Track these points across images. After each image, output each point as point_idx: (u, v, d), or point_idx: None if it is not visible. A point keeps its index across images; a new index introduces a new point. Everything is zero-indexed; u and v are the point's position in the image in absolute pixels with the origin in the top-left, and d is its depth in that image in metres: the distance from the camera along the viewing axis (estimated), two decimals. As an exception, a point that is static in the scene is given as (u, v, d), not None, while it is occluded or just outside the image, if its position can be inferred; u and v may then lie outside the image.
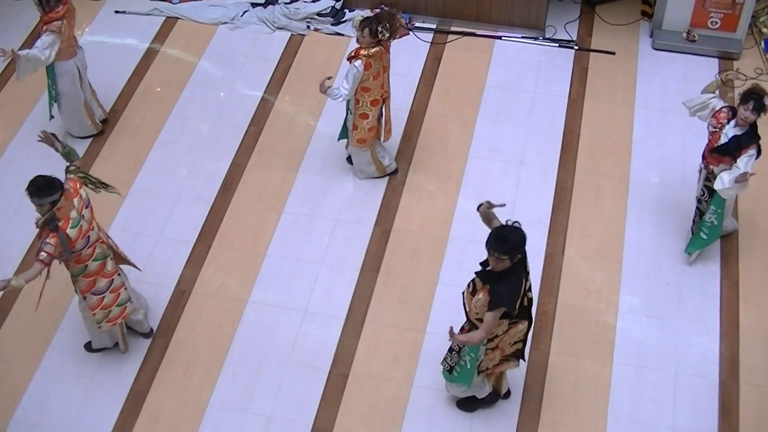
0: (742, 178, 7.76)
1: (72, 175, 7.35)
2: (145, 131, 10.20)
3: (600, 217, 9.15)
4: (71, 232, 7.07)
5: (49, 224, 7.00)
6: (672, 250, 8.84)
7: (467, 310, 6.91)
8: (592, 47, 10.98)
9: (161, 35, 11.41)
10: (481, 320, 6.74)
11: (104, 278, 7.56)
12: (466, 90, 10.50)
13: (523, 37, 11.14)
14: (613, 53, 10.87)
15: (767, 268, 8.73)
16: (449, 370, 7.39)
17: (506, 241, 6.40)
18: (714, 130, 8.08)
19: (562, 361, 8.09)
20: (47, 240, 7.01)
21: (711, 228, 8.41)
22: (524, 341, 7.19)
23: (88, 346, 8.30)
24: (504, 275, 6.53)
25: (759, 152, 7.90)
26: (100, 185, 7.55)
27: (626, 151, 9.74)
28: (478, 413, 7.78)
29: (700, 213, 8.48)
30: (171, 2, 11.79)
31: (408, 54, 10.97)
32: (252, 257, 8.97)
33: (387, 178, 9.57)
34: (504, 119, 10.15)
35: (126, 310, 7.86)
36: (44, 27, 9.06)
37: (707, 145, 8.18)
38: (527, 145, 9.86)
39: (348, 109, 9.04)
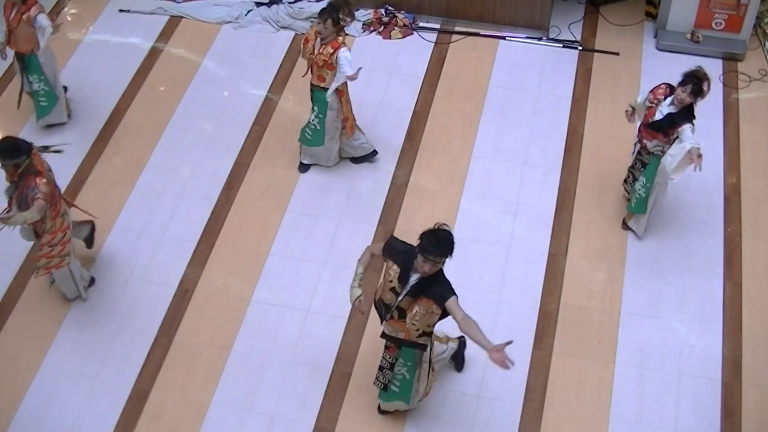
0: (691, 157, 7.76)
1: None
2: (148, 130, 10.20)
3: (603, 218, 9.15)
4: (49, 175, 7.52)
5: (29, 171, 7.39)
6: (675, 251, 8.83)
7: (403, 336, 6.92)
8: (596, 48, 10.98)
9: (165, 34, 11.41)
10: (424, 333, 6.84)
11: (61, 233, 7.84)
12: (469, 90, 10.50)
13: (527, 38, 11.14)
14: (617, 54, 10.87)
15: (770, 270, 8.75)
16: (384, 388, 7.39)
17: (443, 242, 6.40)
18: (650, 105, 8.22)
19: (564, 362, 8.09)
20: (37, 184, 7.39)
21: (638, 200, 8.61)
22: None
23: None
24: (435, 275, 6.53)
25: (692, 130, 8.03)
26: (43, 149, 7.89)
27: (629, 151, 9.68)
28: (479, 413, 7.78)
29: (633, 178, 8.71)
30: (175, 1, 11.79)
31: (412, 54, 10.98)
32: (255, 256, 8.97)
33: (391, 177, 9.57)
34: (508, 119, 10.15)
35: (63, 262, 8.01)
36: (29, 11, 9.22)
37: (643, 118, 8.31)
38: (531, 146, 9.86)
39: (321, 111, 9.05)
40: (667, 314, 8.42)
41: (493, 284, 8.64)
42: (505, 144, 9.89)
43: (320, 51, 8.66)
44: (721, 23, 10.65)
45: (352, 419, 7.83)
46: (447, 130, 10.06)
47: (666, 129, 8.04)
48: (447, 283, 6.61)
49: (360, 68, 8.66)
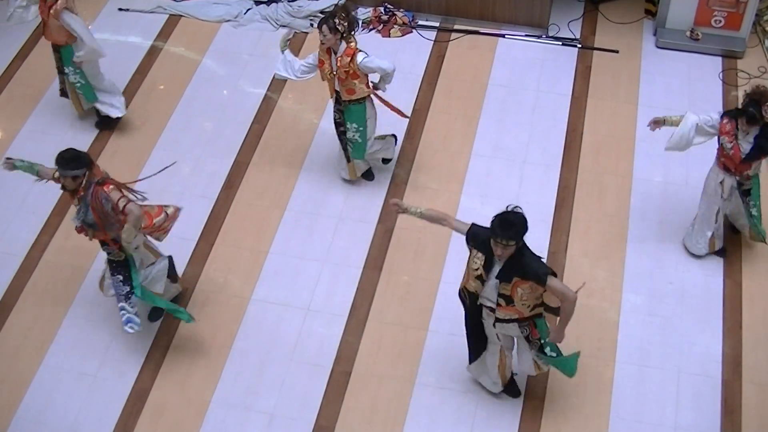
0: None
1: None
2: (148, 129, 10.20)
3: (603, 216, 9.14)
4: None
5: (94, 182, 7.24)
6: (675, 249, 8.83)
7: (517, 317, 6.92)
8: (595, 45, 10.98)
9: (164, 33, 11.41)
10: (538, 307, 6.87)
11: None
12: (469, 88, 10.50)
13: (526, 36, 11.14)
14: (617, 51, 10.87)
15: (770, 267, 8.75)
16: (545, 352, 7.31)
17: (512, 225, 6.42)
18: (731, 143, 7.93)
19: (564, 360, 8.10)
20: (107, 192, 7.23)
21: (757, 223, 8.42)
22: None
23: (154, 314, 8.43)
24: (517, 257, 6.55)
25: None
26: None
27: (629, 149, 9.74)
28: (480, 411, 7.78)
29: (748, 213, 8.37)
30: (174, 0, 11.78)
31: (411, 52, 10.98)
32: (255, 255, 8.97)
33: (391, 175, 9.57)
34: (507, 117, 10.15)
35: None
36: (56, 5, 9.13)
37: (730, 158, 8.01)
38: (530, 144, 9.86)
39: (359, 124, 8.94)
40: (668, 312, 8.41)
41: (493, 282, 8.63)
42: (505, 142, 9.89)
43: (339, 65, 8.47)
44: (720, 21, 10.65)
45: (352, 417, 7.83)
46: (446, 128, 10.06)
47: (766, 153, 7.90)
48: (536, 260, 6.62)
49: (380, 66, 8.58)
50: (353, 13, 8.58)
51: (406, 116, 9.26)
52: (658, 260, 8.78)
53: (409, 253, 8.93)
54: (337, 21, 8.31)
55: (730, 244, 8.87)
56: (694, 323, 8.34)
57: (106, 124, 10.16)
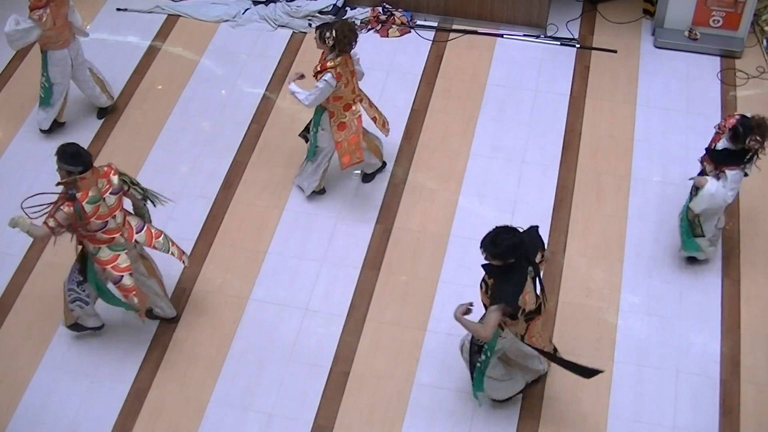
0: (700, 183, 7.88)
1: (113, 166, 7.49)
2: (146, 129, 10.20)
3: (601, 216, 9.15)
4: (86, 206, 7.19)
5: (68, 191, 7.16)
6: (673, 249, 8.84)
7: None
8: (593, 45, 10.98)
9: (163, 33, 11.41)
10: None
11: (115, 271, 7.55)
12: (467, 88, 10.50)
13: (524, 35, 11.13)
14: (615, 51, 10.87)
15: (769, 267, 8.76)
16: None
17: (497, 246, 6.51)
18: (717, 131, 8.00)
19: (563, 360, 8.10)
20: (62, 207, 7.17)
21: (683, 230, 8.48)
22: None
23: (75, 327, 8.31)
24: (507, 269, 6.60)
25: (744, 173, 7.86)
26: (133, 183, 7.69)
27: (628, 149, 9.74)
28: (478, 411, 7.78)
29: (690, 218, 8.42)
30: (173, 0, 11.78)
31: (410, 52, 10.98)
32: (253, 255, 8.97)
33: (389, 175, 9.57)
34: (505, 117, 10.15)
35: (140, 316, 7.87)
36: (29, 12, 9.15)
37: (709, 143, 8.12)
38: (529, 144, 9.86)
39: (315, 124, 8.91)
40: (666, 312, 8.42)
41: (491, 282, 8.64)
42: (503, 142, 9.89)
43: (314, 70, 8.57)
44: (718, 20, 10.65)
45: (350, 417, 7.83)
46: (445, 128, 10.06)
47: (719, 161, 7.86)
48: (512, 290, 6.63)
49: (296, 93, 8.61)
50: (350, 33, 8.40)
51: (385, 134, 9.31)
52: (656, 260, 8.78)
53: (408, 252, 8.93)
54: (327, 34, 8.33)
55: (729, 244, 8.88)
56: (693, 323, 8.34)
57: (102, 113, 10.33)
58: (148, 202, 7.89)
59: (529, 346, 7.14)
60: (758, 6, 10.70)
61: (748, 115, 7.75)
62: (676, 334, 8.27)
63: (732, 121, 7.78)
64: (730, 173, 7.77)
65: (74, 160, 7.18)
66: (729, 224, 9.01)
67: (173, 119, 10.30)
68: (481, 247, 6.57)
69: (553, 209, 9.25)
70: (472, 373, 7.35)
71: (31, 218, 7.30)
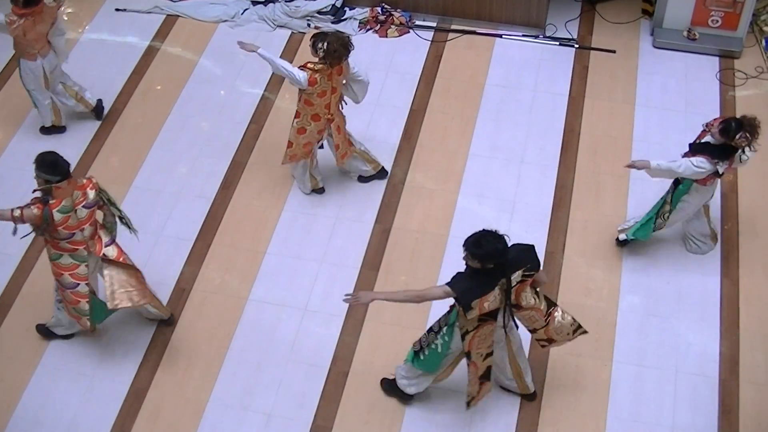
0: (641, 164, 7.87)
1: (93, 180, 7.49)
2: (145, 129, 10.20)
3: (600, 216, 9.15)
4: (56, 215, 7.20)
5: (42, 195, 7.19)
6: (672, 249, 8.84)
7: None
8: (592, 45, 10.98)
9: (162, 33, 11.40)
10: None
11: (72, 278, 7.60)
12: (466, 88, 10.50)
13: (523, 36, 11.14)
14: (614, 51, 10.87)
15: None
16: (416, 352, 7.35)
17: (480, 247, 6.46)
18: (704, 129, 8.01)
19: (562, 360, 8.09)
20: (32, 206, 7.19)
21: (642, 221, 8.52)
22: (491, 356, 7.25)
23: (44, 330, 8.35)
24: (477, 273, 6.58)
25: (718, 173, 7.84)
26: (110, 201, 7.70)
27: (627, 149, 9.74)
28: (477, 411, 7.77)
29: (663, 203, 8.47)
30: (171, 0, 11.78)
31: (408, 52, 10.98)
32: (252, 255, 8.97)
33: (388, 176, 9.55)
34: (504, 117, 10.15)
35: (80, 320, 7.84)
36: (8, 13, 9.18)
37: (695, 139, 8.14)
38: (528, 144, 9.86)
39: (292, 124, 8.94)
40: (665, 312, 8.42)
41: (490, 282, 8.63)
42: (502, 142, 9.89)
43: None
44: (717, 21, 10.65)
45: (349, 417, 7.83)
46: (444, 128, 10.06)
47: (696, 153, 7.86)
48: (469, 287, 6.62)
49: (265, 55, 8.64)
50: (341, 48, 8.35)
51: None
52: (655, 260, 8.78)
53: (407, 252, 8.93)
54: (320, 44, 8.34)
55: (728, 244, 8.88)
56: (692, 323, 8.34)
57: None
58: (121, 224, 7.92)
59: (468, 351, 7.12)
60: (757, 6, 10.71)
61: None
62: (675, 333, 8.27)
63: (718, 120, 7.85)
64: (701, 157, 7.76)
65: (52, 169, 7.19)
66: (727, 225, 9.02)
67: (172, 119, 10.30)
68: (463, 246, 6.54)
69: (552, 209, 9.25)
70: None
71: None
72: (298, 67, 8.47)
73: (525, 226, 9.09)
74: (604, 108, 10.21)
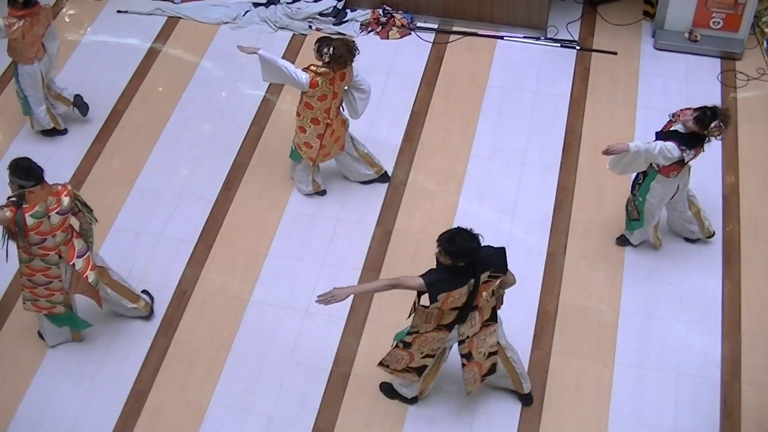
0: (620, 148, 7.87)
1: (68, 187, 7.50)
2: (146, 131, 10.20)
3: (601, 218, 9.14)
4: (29, 219, 7.22)
5: (15, 199, 7.22)
6: (673, 251, 8.83)
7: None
8: (593, 47, 10.98)
9: (163, 35, 11.41)
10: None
11: (45, 277, 7.67)
12: (467, 90, 10.50)
13: (524, 37, 11.14)
14: (615, 53, 10.87)
15: (769, 269, 8.75)
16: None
17: (454, 244, 6.48)
18: (670, 119, 8.03)
19: (563, 362, 8.09)
20: (5, 208, 7.21)
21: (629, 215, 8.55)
22: (433, 358, 7.26)
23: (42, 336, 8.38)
24: (448, 270, 6.60)
25: (681, 159, 7.82)
26: (85, 208, 7.69)
27: (628, 151, 9.72)
28: (478, 413, 7.78)
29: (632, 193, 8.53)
30: (173, 2, 11.79)
31: (410, 54, 10.98)
32: (253, 257, 8.97)
33: (389, 179, 9.56)
34: (506, 119, 10.15)
35: (54, 309, 7.90)
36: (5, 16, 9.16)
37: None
38: (529, 145, 9.86)
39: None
40: (666, 314, 8.41)
41: (491, 284, 8.63)
42: (503, 144, 9.89)
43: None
44: (719, 22, 10.65)
45: (350, 419, 7.82)
46: (445, 129, 10.06)
47: (664, 139, 7.83)
48: (438, 280, 6.67)
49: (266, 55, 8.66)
50: (346, 53, 8.36)
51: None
52: (656, 262, 8.78)
53: (408, 254, 8.93)
54: (325, 49, 8.35)
55: (730, 246, 8.88)
56: (693, 325, 8.34)
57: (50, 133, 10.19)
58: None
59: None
60: (758, 8, 10.71)
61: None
62: (676, 335, 8.26)
63: (688, 112, 7.84)
64: (671, 143, 7.75)
65: (26, 175, 7.22)
66: (729, 226, 9.02)
67: (173, 121, 10.30)
68: (437, 241, 6.55)
69: (553, 211, 9.25)
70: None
71: None
72: (302, 69, 8.47)
73: (526, 228, 9.09)
74: (605, 110, 10.21)
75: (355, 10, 11.48)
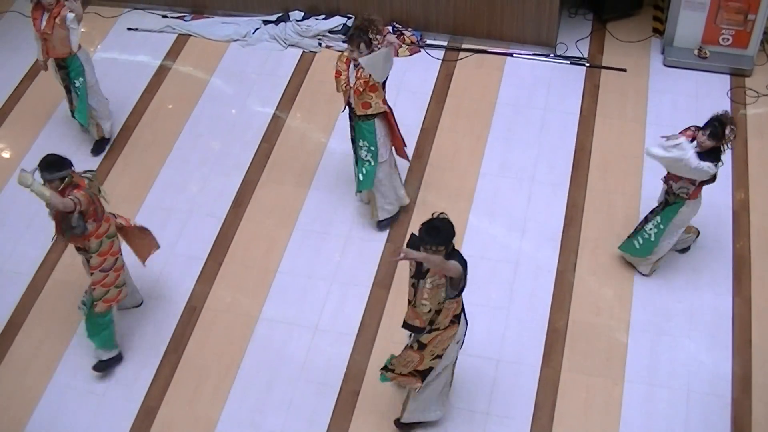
0: (672, 141, 7.79)
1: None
2: (156, 148, 10.23)
3: (611, 234, 9.13)
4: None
5: (71, 185, 7.34)
6: (683, 268, 8.81)
7: (418, 324, 6.92)
8: (603, 64, 10.99)
9: (173, 52, 11.46)
10: (437, 313, 6.79)
11: (112, 256, 7.77)
12: (477, 107, 10.51)
13: (534, 54, 11.15)
14: (625, 70, 10.88)
15: (780, 286, 8.73)
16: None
17: (439, 232, 6.45)
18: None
19: (573, 379, 8.07)
20: (75, 193, 7.31)
21: (646, 241, 8.44)
22: (440, 359, 7.17)
23: (100, 365, 8.27)
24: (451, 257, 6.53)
25: (714, 176, 7.85)
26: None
27: (637, 167, 9.73)
28: (488, 430, 7.75)
29: (645, 221, 8.46)
30: (183, 19, 11.84)
31: (419, 71, 11.00)
32: (263, 273, 8.98)
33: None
34: (515, 136, 10.16)
35: (121, 293, 7.98)
36: (60, 12, 9.15)
37: None
38: (538, 162, 9.86)
39: (371, 142, 8.69)
40: (676, 331, 8.39)
41: (501, 301, 8.62)
42: (513, 160, 9.89)
43: (357, 76, 8.31)
44: (728, 39, 10.66)
45: (360, 436, 7.83)
46: (455, 146, 10.07)
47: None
48: (464, 263, 6.58)
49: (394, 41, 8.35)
50: (358, 23, 8.23)
51: (406, 158, 9.25)
52: (666, 279, 8.76)
53: (417, 271, 8.92)
54: (371, 36, 8.17)
55: (740, 263, 8.86)
56: (703, 342, 8.31)
57: (99, 147, 10.23)
58: None
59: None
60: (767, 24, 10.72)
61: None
62: (686, 352, 8.24)
63: (689, 132, 7.87)
64: (705, 162, 7.71)
65: (61, 164, 7.36)
66: (739, 243, 9.00)
67: (183, 138, 10.33)
68: (425, 244, 6.44)
69: (563, 227, 9.24)
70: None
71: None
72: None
73: (536, 245, 9.08)
74: (614, 126, 10.21)
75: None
